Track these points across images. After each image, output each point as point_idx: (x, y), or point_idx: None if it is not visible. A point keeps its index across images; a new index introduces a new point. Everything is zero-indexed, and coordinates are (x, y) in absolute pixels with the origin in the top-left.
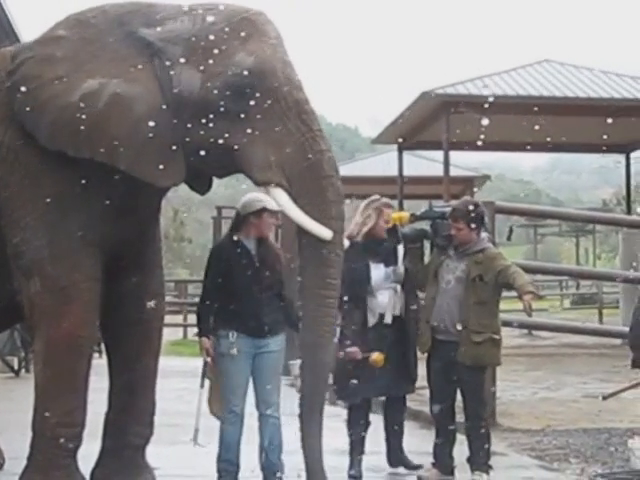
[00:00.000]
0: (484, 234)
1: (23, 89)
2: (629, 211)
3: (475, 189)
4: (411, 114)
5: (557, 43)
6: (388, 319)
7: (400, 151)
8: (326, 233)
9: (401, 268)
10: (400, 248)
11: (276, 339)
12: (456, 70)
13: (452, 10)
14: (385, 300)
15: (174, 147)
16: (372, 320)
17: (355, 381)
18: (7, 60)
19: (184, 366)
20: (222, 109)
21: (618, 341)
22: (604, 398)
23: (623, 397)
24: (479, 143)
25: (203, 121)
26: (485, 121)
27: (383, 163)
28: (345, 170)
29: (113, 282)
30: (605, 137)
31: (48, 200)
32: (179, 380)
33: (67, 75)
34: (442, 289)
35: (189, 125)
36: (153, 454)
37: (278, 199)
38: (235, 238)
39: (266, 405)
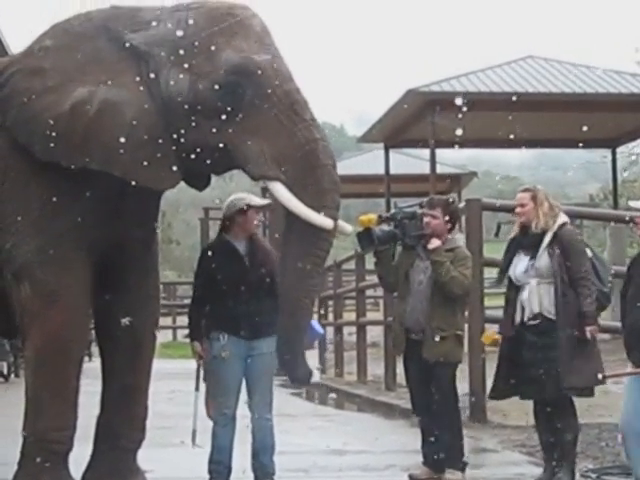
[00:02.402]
0: (461, 235)
1: (13, 103)
2: (616, 206)
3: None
4: (396, 112)
5: (541, 39)
6: (526, 316)
7: (386, 149)
8: (327, 223)
9: (541, 260)
10: (546, 238)
11: (268, 340)
12: (441, 67)
13: (436, 7)
14: (525, 295)
15: (168, 149)
16: (517, 317)
17: (513, 381)
18: None
19: (174, 368)
20: (212, 108)
21: (607, 336)
22: (603, 377)
23: (613, 392)
24: (465, 140)
25: (195, 121)
26: (471, 118)
27: (369, 162)
28: None
29: (108, 285)
30: (590, 132)
31: (38, 205)
32: (169, 382)
33: (57, 86)
34: (414, 290)
35: (181, 126)
36: (144, 456)
37: (276, 192)
38: (224, 239)
39: (258, 407)
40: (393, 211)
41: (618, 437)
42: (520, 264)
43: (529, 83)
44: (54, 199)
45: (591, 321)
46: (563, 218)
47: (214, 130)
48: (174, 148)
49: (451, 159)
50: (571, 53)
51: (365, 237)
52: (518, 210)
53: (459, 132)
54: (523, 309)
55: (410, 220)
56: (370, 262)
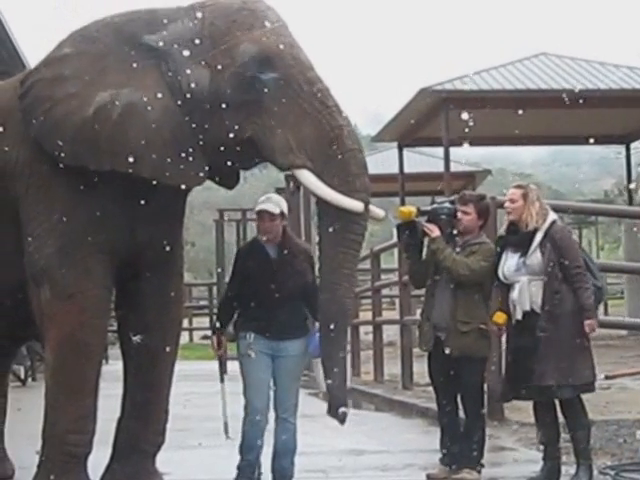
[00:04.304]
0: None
1: (37, 111)
2: (631, 202)
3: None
4: (410, 111)
5: (553, 36)
6: (517, 315)
7: (400, 148)
8: (356, 205)
9: (533, 258)
10: (537, 236)
11: (294, 343)
12: (454, 65)
13: (449, 5)
14: (516, 294)
15: (193, 147)
16: (513, 316)
17: (516, 381)
18: (17, 85)
19: (191, 370)
20: (235, 101)
21: (624, 332)
22: (607, 377)
23: (631, 388)
24: (478, 138)
25: (218, 116)
26: (484, 116)
27: (384, 161)
28: None
29: (130, 288)
30: (604, 128)
31: (60, 209)
32: (186, 384)
33: (78, 92)
34: (442, 286)
35: (205, 123)
36: (162, 459)
37: (304, 180)
38: (257, 241)
39: (283, 409)
40: (435, 206)
41: (637, 433)
42: (509, 262)
43: (542, 80)
44: (76, 203)
45: (591, 314)
46: (553, 216)
47: (239, 123)
48: (200, 145)
49: (465, 157)
50: (584, 49)
51: (409, 229)
52: (507, 205)
53: (472, 130)
54: (515, 307)
55: (447, 217)
56: (385, 261)
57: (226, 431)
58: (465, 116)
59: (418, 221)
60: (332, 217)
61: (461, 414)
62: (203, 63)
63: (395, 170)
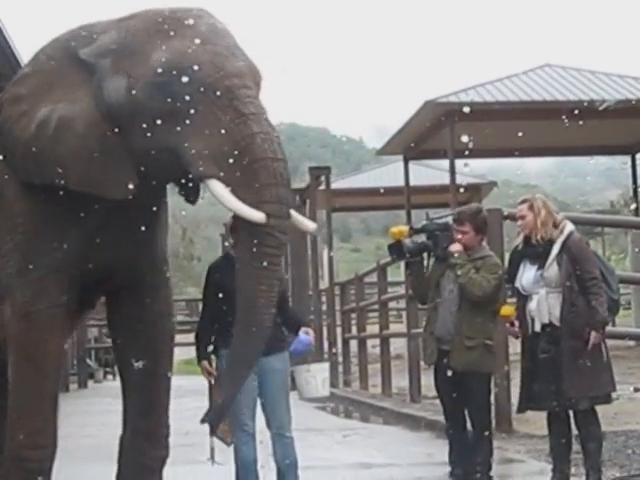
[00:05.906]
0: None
1: (2, 130)
2: (637, 212)
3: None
4: (415, 124)
5: (558, 47)
6: (536, 327)
7: (406, 161)
8: (257, 216)
9: (550, 270)
10: (554, 248)
11: (278, 357)
12: (459, 78)
13: (453, 18)
14: (533, 305)
15: (120, 157)
16: (529, 328)
17: (531, 392)
18: None
19: (196, 385)
20: (152, 111)
21: (632, 343)
22: (636, 390)
23: (639, 399)
24: (484, 150)
25: (141, 126)
26: (489, 128)
27: (389, 174)
28: (351, 182)
29: (116, 306)
30: (610, 139)
31: (22, 228)
32: (192, 399)
33: (29, 110)
34: (444, 299)
35: (130, 133)
36: (168, 474)
37: (213, 191)
38: (230, 256)
39: (277, 425)
40: (425, 222)
41: None
42: (527, 274)
43: (547, 91)
44: (37, 223)
45: (599, 327)
46: (570, 227)
47: (159, 133)
48: (127, 156)
49: (470, 169)
50: (588, 60)
51: (396, 249)
52: (519, 223)
53: (478, 142)
54: (532, 319)
55: (442, 232)
56: (392, 274)
57: (212, 456)
58: (466, 136)
59: (403, 241)
60: (246, 230)
61: (469, 426)
62: (122, 73)
63: (401, 183)
